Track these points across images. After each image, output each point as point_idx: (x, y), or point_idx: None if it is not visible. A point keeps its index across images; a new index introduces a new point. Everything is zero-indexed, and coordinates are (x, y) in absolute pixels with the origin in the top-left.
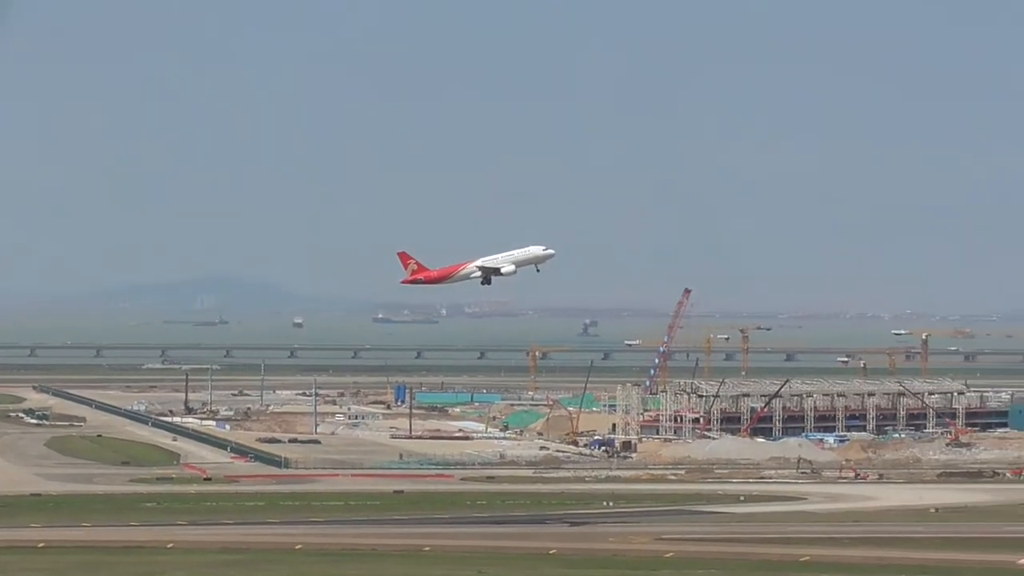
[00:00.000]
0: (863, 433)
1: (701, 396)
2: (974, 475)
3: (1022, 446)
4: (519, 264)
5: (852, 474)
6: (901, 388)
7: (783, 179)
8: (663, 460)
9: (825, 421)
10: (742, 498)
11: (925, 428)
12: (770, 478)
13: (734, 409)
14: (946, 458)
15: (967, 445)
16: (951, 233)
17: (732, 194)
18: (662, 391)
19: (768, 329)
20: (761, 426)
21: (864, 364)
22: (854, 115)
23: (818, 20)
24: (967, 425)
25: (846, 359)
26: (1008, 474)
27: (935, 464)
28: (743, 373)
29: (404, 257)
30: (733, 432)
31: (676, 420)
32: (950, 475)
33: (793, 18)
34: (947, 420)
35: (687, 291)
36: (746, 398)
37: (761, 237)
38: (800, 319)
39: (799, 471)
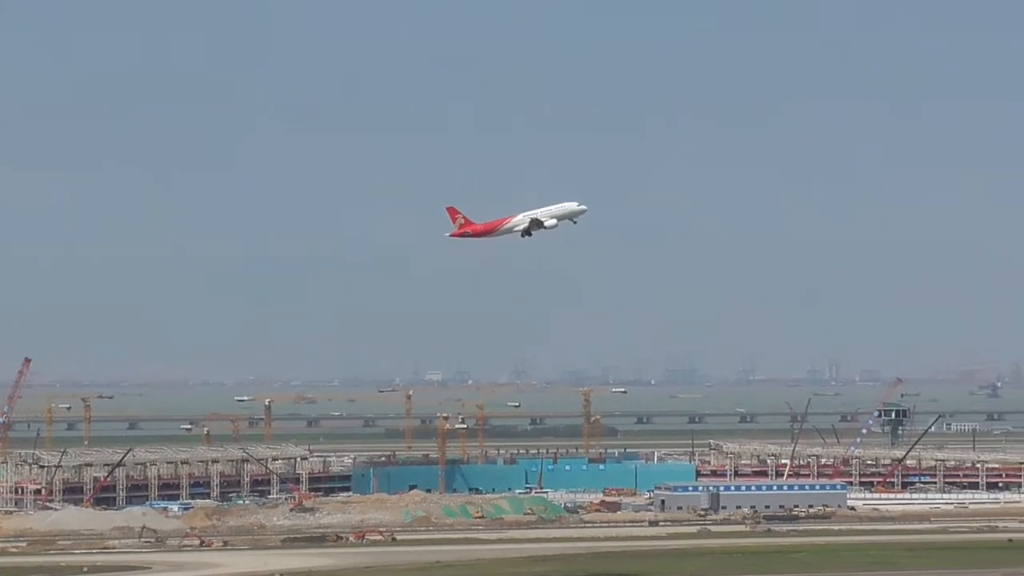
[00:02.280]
0: (208, 500)
1: (43, 467)
2: (318, 539)
3: (365, 509)
4: (559, 218)
5: (197, 541)
6: (245, 454)
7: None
8: (3, 532)
9: (170, 489)
10: (85, 569)
11: (269, 494)
12: (114, 548)
13: (77, 479)
14: (290, 523)
15: (311, 510)
16: (311, 299)
17: None
18: (2, 463)
19: (110, 397)
20: (105, 495)
21: (208, 431)
22: None
23: None
24: (311, 490)
25: (190, 426)
26: (351, 538)
27: (279, 529)
28: (86, 443)
29: (452, 212)
30: (76, 502)
31: (17, 491)
32: (294, 540)
33: None
34: (291, 485)
35: (27, 360)
36: (89, 467)
37: (100, 306)
38: (142, 387)
39: (143, 540)
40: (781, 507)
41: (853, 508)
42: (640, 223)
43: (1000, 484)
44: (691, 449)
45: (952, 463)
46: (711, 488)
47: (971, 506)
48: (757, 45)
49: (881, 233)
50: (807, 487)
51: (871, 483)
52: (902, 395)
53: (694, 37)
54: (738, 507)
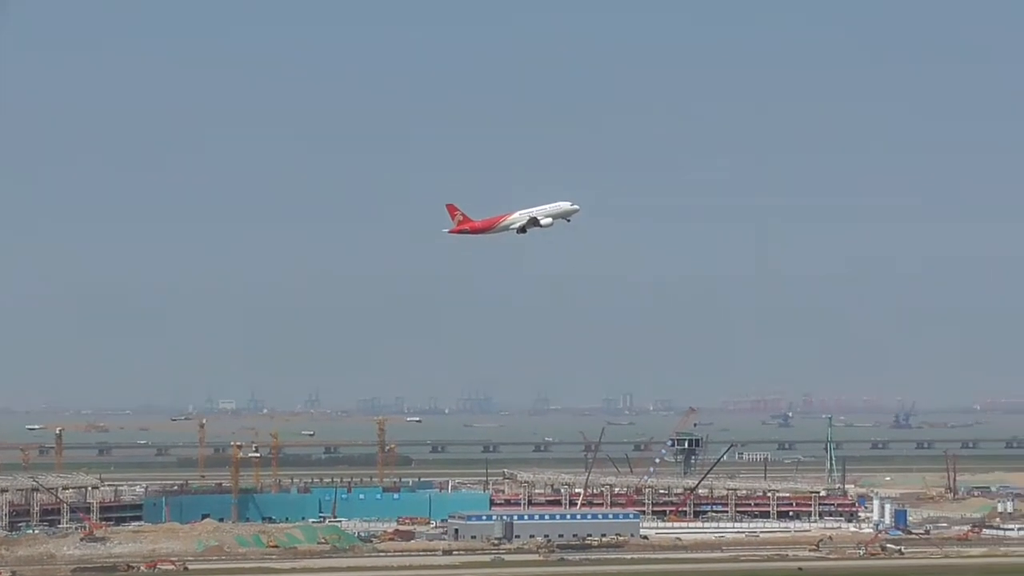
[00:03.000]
0: None
1: None
2: (108, 569)
3: (157, 539)
4: (554, 217)
5: None
6: (35, 483)
7: None
8: None
9: None
10: None
11: (60, 523)
12: None
13: None
14: (80, 553)
15: (102, 539)
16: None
17: None
18: None
19: None
20: None
21: None
22: None
23: None
24: (102, 519)
25: None
26: (143, 567)
27: (70, 559)
28: None
29: (452, 209)
30: None
31: None
32: (84, 570)
33: None
34: (81, 515)
35: None
36: None
37: None
38: None
39: None
40: (575, 536)
41: (646, 537)
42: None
43: (791, 513)
44: (485, 478)
45: (744, 492)
46: (505, 517)
47: (762, 535)
48: None
49: (672, 268)
50: (600, 516)
51: (664, 512)
52: (695, 424)
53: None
54: (532, 536)
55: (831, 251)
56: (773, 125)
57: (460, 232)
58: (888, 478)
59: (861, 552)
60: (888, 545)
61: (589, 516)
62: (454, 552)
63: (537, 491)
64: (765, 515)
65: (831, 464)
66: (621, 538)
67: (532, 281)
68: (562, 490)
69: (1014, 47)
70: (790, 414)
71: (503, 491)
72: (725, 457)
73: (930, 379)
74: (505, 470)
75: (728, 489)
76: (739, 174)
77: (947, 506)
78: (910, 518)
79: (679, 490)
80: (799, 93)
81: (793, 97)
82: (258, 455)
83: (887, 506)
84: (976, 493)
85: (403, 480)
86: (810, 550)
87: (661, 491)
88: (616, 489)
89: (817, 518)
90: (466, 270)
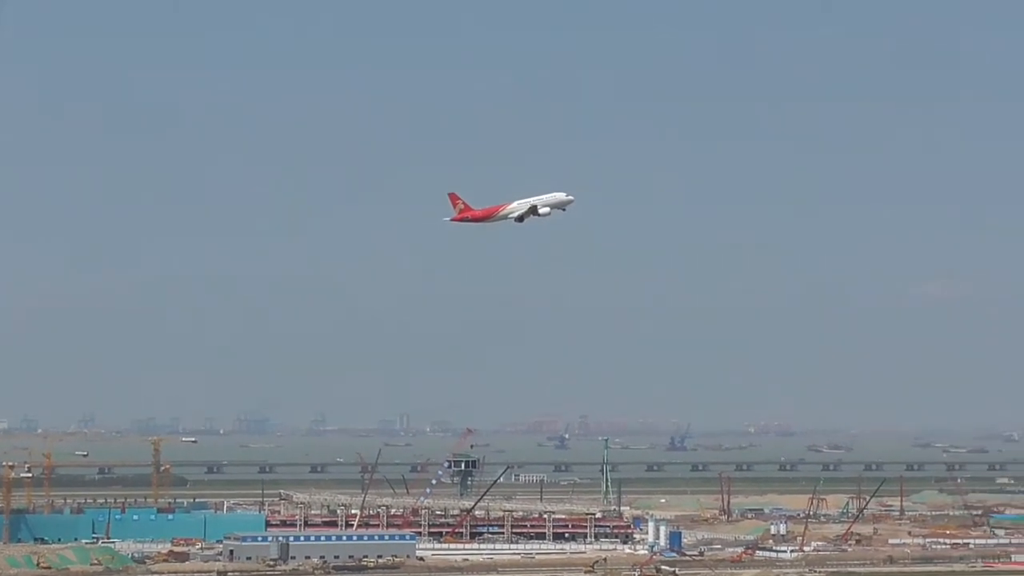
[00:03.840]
0: None
1: None
2: None
3: None
4: (551, 207)
5: None
6: None
7: None
8: None
9: None
10: None
11: None
12: None
13: None
14: None
15: None
16: None
17: None
18: None
19: None
20: None
21: None
22: None
23: None
24: None
25: None
26: None
27: None
28: None
29: (454, 198)
30: None
31: None
32: None
33: None
34: None
35: None
36: None
37: None
38: None
39: None
40: (351, 557)
41: (422, 558)
42: (216, 275)
43: (566, 535)
44: (261, 499)
45: (520, 513)
46: (280, 538)
47: (537, 556)
48: None
49: (450, 287)
50: (377, 537)
51: (440, 533)
52: (472, 446)
53: None
54: (307, 557)
55: None
56: None
57: (462, 220)
58: (663, 500)
59: (636, 574)
60: (663, 567)
61: (365, 537)
62: (229, 573)
63: (313, 512)
64: (541, 536)
65: (607, 486)
66: (397, 559)
67: (314, 302)
68: (338, 511)
69: None
70: (567, 436)
71: (279, 512)
72: (501, 479)
73: (705, 402)
74: (281, 491)
75: (504, 510)
76: None
77: (721, 528)
78: (685, 540)
79: (456, 511)
80: None
81: None
82: (30, 475)
83: (662, 528)
84: (750, 515)
85: (178, 501)
86: (585, 572)
87: (438, 512)
88: (393, 510)
89: (593, 540)
90: (254, 287)
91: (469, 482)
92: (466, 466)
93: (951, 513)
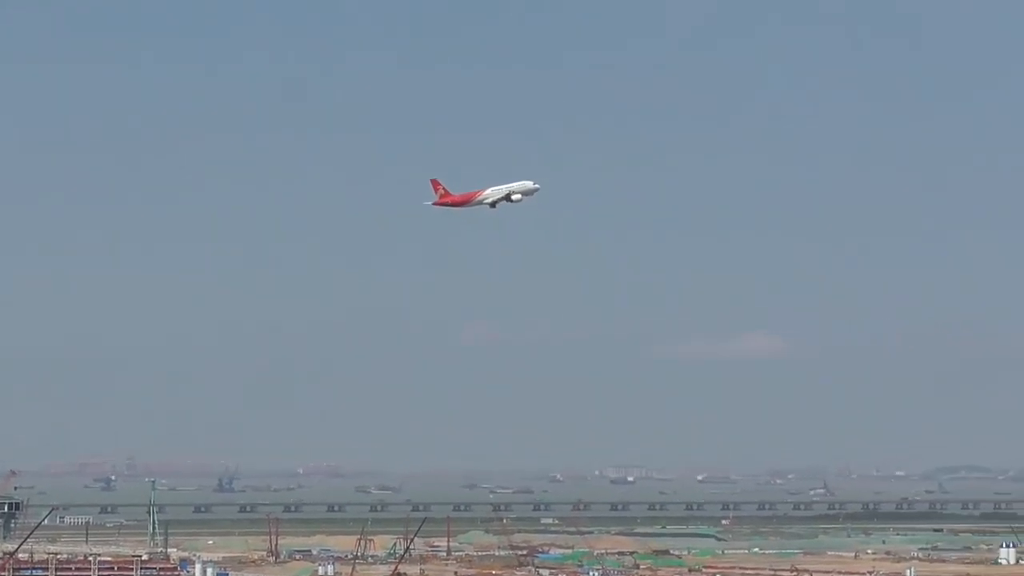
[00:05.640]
0: None
1: None
2: None
3: None
4: (522, 194)
5: None
6: None
7: None
8: None
9: None
10: None
11: None
12: None
13: None
14: None
15: None
16: None
17: None
18: None
19: None
20: None
21: None
22: None
23: None
24: None
25: None
26: None
27: None
28: None
29: (435, 184)
30: None
31: None
32: None
33: None
34: None
35: None
36: None
37: None
38: None
39: None
40: None
41: None
42: None
43: None
44: None
45: (65, 556)
46: None
47: None
48: None
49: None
50: None
51: None
52: (16, 488)
53: None
54: None
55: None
56: None
57: (443, 205)
58: (211, 541)
59: None
60: None
61: None
62: None
63: None
64: None
65: (153, 527)
66: None
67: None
68: None
69: None
70: (113, 477)
71: None
72: (46, 521)
73: (255, 444)
74: None
75: (49, 553)
76: None
77: (268, 569)
78: None
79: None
80: None
81: None
82: None
83: (209, 570)
84: (297, 556)
85: None
86: None
87: None
88: None
89: None
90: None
91: (13, 525)
92: (9, 508)
93: (497, 553)
